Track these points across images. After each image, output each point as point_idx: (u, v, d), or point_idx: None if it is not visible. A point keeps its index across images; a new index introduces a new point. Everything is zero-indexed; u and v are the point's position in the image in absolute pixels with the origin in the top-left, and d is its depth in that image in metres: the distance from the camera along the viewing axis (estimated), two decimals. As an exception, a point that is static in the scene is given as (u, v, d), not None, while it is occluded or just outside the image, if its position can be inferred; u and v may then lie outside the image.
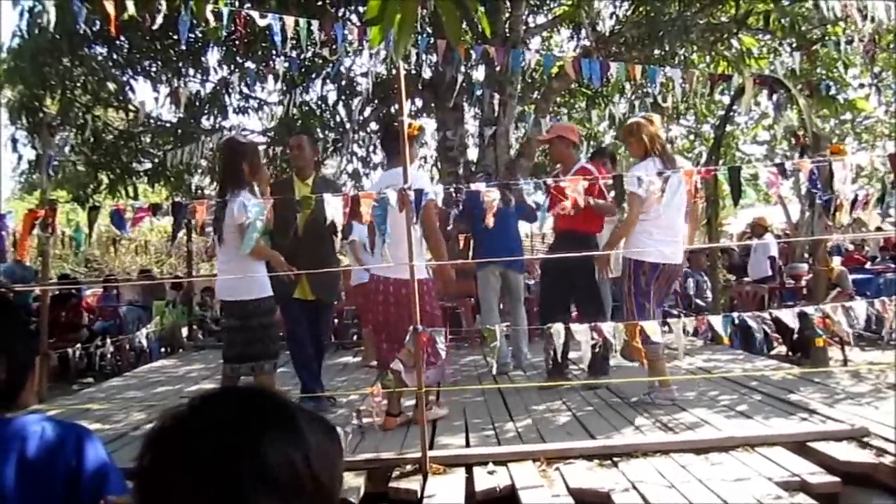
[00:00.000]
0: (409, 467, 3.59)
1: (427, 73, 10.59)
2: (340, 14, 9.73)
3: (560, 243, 5.52)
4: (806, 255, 9.33)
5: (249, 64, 9.70)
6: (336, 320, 9.30)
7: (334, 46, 7.28)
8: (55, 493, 1.30)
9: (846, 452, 3.46)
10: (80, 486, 1.31)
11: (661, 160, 4.62)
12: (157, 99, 10.17)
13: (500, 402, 4.96)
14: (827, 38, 8.86)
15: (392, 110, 10.76)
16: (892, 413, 3.98)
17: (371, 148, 11.79)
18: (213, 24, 5.27)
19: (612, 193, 4.28)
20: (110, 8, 4.39)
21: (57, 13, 6.67)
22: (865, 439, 3.62)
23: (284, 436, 0.81)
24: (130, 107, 10.27)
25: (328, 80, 9.70)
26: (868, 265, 11.89)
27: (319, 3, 9.22)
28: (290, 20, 5.70)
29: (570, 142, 5.61)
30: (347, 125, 10.64)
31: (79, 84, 9.50)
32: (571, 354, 5.02)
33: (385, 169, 4.68)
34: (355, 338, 9.56)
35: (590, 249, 5.15)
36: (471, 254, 7.16)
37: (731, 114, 8.94)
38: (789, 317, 3.83)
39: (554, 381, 5.24)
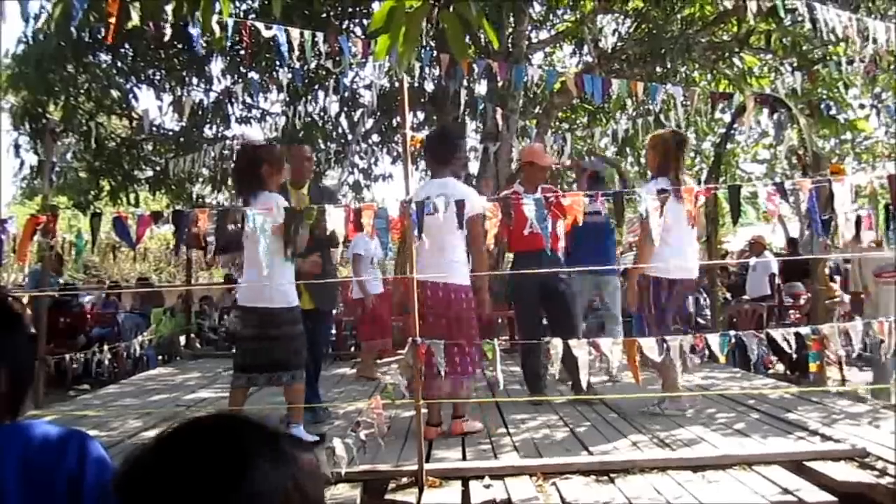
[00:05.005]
0: (405, 480, 3.57)
1: (429, 87, 10.65)
2: (344, 26, 9.78)
3: (518, 264, 5.58)
4: (802, 272, 9.33)
5: (253, 74, 9.75)
6: (334, 332, 9.31)
7: (338, 58, 7.31)
8: (56, 498, 1.29)
9: (844, 472, 3.45)
10: (81, 491, 1.31)
11: (668, 181, 4.66)
12: (160, 107, 10.24)
13: (496, 416, 4.95)
14: (828, 58, 8.91)
15: (394, 123, 10.81)
16: (889, 433, 3.98)
17: (373, 160, 11.84)
18: (218, 34, 5.30)
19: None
20: (113, 18, 4.41)
21: (61, 20, 6.71)
22: (863, 460, 3.61)
23: (271, 460, 0.79)
24: (133, 114, 10.31)
25: (331, 92, 9.75)
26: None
27: (324, 15, 9.28)
28: (294, 32, 5.73)
29: (541, 167, 5.62)
30: (349, 137, 10.68)
31: (82, 91, 9.54)
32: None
33: (432, 178, 4.66)
34: (353, 349, 9.56)
35: (549, 266, 5.15)
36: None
37: (732, 132, 8.98)
38: (783, 339, 3.82)
39: (537, 396, 5.30)
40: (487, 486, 3.43)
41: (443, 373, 3.93)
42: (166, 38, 5.39)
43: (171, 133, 10.67)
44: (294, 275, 4.33)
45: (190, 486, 0.76)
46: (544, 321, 5.89)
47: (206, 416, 0.86)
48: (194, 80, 10.29)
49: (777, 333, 3.88)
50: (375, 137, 11.64)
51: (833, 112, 9.30)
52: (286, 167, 4.54)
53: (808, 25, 7.77)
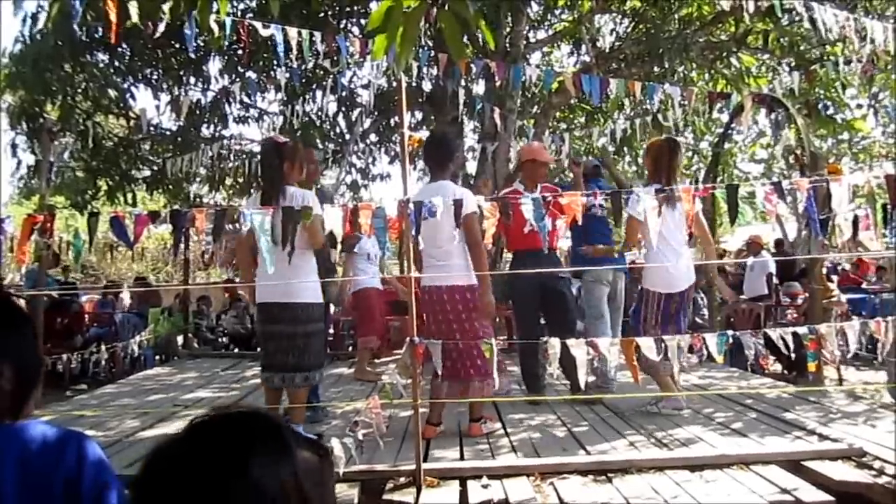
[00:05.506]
0: (403, 480, 3.57)
1: (427, 86, 10.64)
2: (342, 26, 9.78)
3: (518, 263, 5.59)
4: (800, 271, 9.35)
5: (251, 74, 9.74)
6: (332, 331, 9.29)
7: (336, 58, 7.31)
8: (54, 501, 1.29)
9: (841, 472, 3.45)
10: (79, 493, 1.30)
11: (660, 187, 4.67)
12: (157, 107, 10.23)
13: (494, 414, 4.94)
14: (825, 58, 8.92)
15: (392, 122, 10.81)
16: (887, 432, 3.98)
17: (371, 160, 11.84)
18: (216, 33, 5.31)
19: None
20: (113, 16, 4.41)
21: (58, 19, 6.70)
22: (861, 459, 3.62)
23: (273, 456, 0.83)
24: (131, 114, 10.29)
25: (329, 92, 9.75)
26: (864, 285, 11.93)
27: (322, 14, 9.27)
28: (292, 31, 5.73)
29: (542, 163, 5.64)
30: (347, 136, 10.67)
31: (80, 90, 9.53)
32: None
33: (430, 181, 4.67)
34: (350, 349, 9.55)
35: (548, 265, 5.13)
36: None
37: (730, 132, 9.00)
38: (780, 339, 3.82)
39: (536, 396, 5.29)
40: (485, 486, 3.43)
41: (440, 372, 3.93)
42: (157, 35, 5.38)
43: (168, 133, 10.66)
44: (315, 272, 4.37)
45: (195, 474, 0.81)
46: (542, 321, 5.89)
47: (222, 411, 0.90)
48: (192, 80, 10.27)
49: (774, 333, 3.89)
50: (373, 137, 11.64)
51: (830, 112, 9.33)
52: (304, 165, 4.61)
53: (806, 25, 7.79)
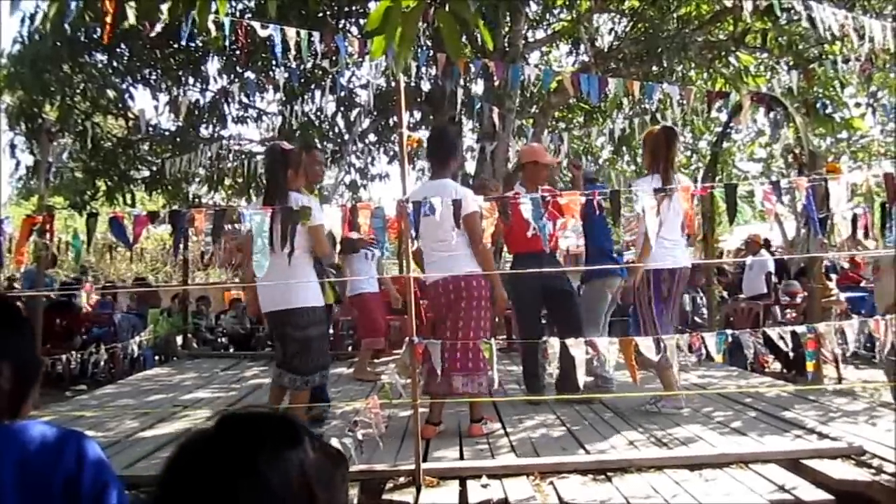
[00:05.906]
0: (402, 479, 3.57)
1: (426, 86, 10.63)
2: (341, 26, 9.77)
3: (518, 264, 5.59)
4: (799, 270, 9.36)
5: (249, 74, 9.73)
6: (331, 331, 9.29)
7: (334, 58, 7.31)
8: (53, 501, 1.29)
9: (840, 470, 3.45)
10: (79, 492, 1.30)
11: (660, 177, 4.67)
12: (156, 107, 10.20)
13: (494, 415, 4.94)
14: (824, 56, 8.92)
15: (391, 122, 10.80)
16: (886, 431, 3.98)
17: (369, 160, 11.82)
18: (214, 33, 5.30)
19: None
20: (109, 17, 4.39)
21: (56, 20, 6.69)
22: (860, 458, 3.62)
23: (284, 455, 0.85)
24: (130, 114, 10.28)
25: (327, 92, 9.74)
26: (863, 283, 11.92)
27: (320, 14, 9.27)
28: (290, 31, 5.72)
29: (544, 165, 5.63)
30: (346, 136, 10.67)
31: (78, 91, 9.51)
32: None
33: (431, 178, 4.67)
34: (350, 349, 9.56)
35: (549, 266, 5.12)
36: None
37: (728, 131, 9.00)
38: (779, 337, 3.83)
39: (535, 396, 5.28)
40: (485, 486, 3.43)
41: (439, 371, 3.93)
42: (154, 34, 5.39)
43: (167, 133, 10.64)
44: (314, 274, 4.41)
45: (207, 470, 0.84)
46: (543, 321, 5.89)
47: (248, 411, 0.93)
48: (190, 80, 10.26)
49: (773, 332, 3.89)
50: (372, 137, 11.62)
51: (829, 110, 9.32)
52: (309, 170, 4.70)
53: (804, 24, 7.79)
